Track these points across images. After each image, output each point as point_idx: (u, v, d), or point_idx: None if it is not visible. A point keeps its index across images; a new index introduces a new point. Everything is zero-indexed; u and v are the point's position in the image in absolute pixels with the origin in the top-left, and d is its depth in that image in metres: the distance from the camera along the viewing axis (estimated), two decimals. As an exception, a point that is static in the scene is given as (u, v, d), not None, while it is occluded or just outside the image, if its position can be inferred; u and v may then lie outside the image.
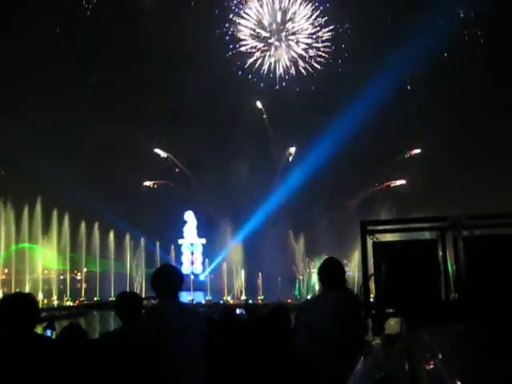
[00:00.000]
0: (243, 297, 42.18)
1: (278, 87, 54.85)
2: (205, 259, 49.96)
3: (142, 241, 46.82)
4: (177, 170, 55.52)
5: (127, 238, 46.50)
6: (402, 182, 51.05)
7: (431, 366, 1.57)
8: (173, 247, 49.10)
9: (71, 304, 41.40)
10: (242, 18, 54.72)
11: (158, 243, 47.14)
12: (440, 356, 1.61)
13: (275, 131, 53.15)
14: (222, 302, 41.39)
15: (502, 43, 45.71)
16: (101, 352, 4.13)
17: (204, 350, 4.31)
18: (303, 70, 54.54)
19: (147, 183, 55.09)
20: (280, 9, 53.51)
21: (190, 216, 51.38)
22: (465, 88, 45.41)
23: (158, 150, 55.16)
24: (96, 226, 45.02)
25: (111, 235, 45.96)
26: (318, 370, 4.54)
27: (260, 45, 54.88)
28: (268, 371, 5.29)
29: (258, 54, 54.74)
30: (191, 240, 51.31)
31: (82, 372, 3.91)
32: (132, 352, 3.96)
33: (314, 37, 54.14)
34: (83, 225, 44.78)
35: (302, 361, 4.76)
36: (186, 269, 48.02)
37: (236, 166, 46.17)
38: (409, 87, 50.44)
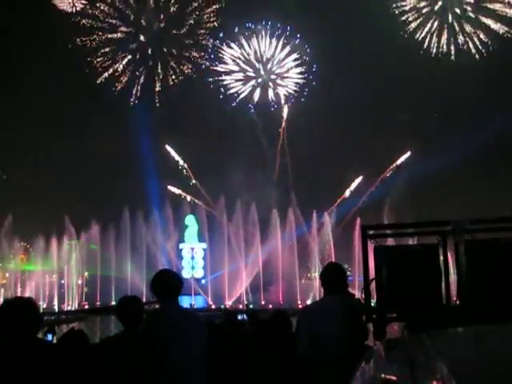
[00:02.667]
0: (245, 301, 42.09)
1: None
2: (206, 263, 49.90)
3: (143, 244, 46.87)
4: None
5: (127, 241, 46.62)
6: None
7: (433, 372, 1.57)
8: (174, 251, 49.10)
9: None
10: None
11: (158, 247, 47.13)
12: (441, 361, 1.60)
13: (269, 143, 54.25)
14: (223, 306, 41.34)
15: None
16: (102, 357, 4.12)
17: (206, 354, 4.31)
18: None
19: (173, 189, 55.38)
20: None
21: (190, 220, 51.38)
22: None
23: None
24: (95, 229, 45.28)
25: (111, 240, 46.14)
26: (320, 374, 4.53)
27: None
28: (270, 375, 5.28)
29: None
30: (192, 244, 51.29)
31: (84, 377, 3.90)
32: (133, 357, 3.96)
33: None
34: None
35: (303, 365, 4.75)
36: (186, 273, 47.96)
37: (235, 171, 46.17)
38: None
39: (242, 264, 44.72)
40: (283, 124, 56.14)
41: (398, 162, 53.60)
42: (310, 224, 44.94)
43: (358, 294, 4.65)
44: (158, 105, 55.70)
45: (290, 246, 44.49)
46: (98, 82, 54.84)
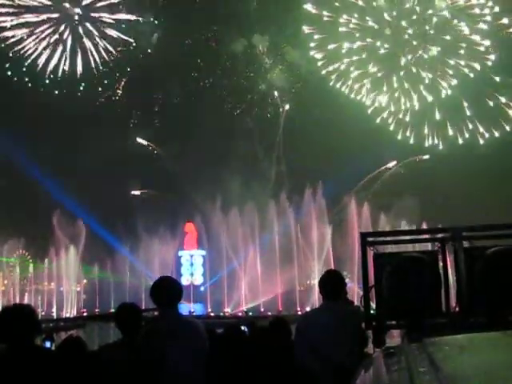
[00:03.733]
0: (244, 309, 41.92)
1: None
2: (205, 270, 49.80)
3: (141, 251, 46.86)
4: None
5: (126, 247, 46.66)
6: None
7: (432, 380, 1.56)
8: (173, 258, 49.02)
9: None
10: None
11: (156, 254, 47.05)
12: (441, 369, 1.60)
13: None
14: (222, 314, 41.19)
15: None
16: (101, 364, 4.11)
17: (205, 361, 4.30)
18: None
19: (136, 192, 55.82)
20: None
21: (190, 227, 51.34)
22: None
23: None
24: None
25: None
26: (319, 382, 4.51)
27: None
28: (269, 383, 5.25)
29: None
30: (191, 251, 51.22)
31: (82, 384, 3.89)
32: (132, 364, 3.94)
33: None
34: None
35: (302, 373, 4.73)
36: (185, 280, 47.85)
37: (232, 178, 46.13)
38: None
39: (241, 267, 44.43)
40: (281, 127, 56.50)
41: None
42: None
43: (356, 300, 4.65)
44: (157, 124, 56.23)
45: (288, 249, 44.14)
46: (97, 103, 55.26)
